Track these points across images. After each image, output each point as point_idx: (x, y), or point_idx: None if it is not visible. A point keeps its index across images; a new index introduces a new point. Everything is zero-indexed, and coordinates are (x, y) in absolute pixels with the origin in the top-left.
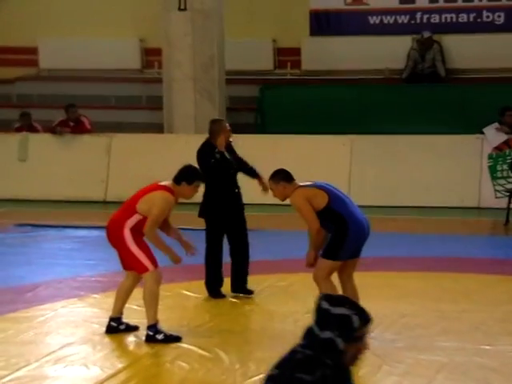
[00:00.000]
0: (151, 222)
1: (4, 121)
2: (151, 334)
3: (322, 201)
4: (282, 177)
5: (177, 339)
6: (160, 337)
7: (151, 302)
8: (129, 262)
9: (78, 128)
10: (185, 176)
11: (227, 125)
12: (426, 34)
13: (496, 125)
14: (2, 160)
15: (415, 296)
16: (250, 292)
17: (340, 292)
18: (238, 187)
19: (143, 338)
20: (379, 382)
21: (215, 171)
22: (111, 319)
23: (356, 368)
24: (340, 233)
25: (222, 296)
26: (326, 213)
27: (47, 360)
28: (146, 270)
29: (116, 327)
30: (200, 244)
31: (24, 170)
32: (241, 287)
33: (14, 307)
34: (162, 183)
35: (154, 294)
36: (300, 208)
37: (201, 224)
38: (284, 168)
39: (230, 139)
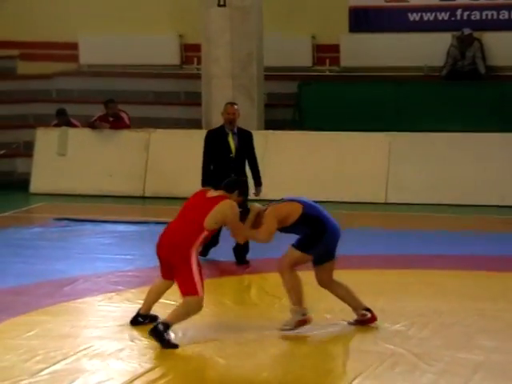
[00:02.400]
0: (238, 229)
1: (44, 116)
2: (161, 328)
3: (295, 212)
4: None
5: (175, 346)
6: (166, 337)
7: (182, 316)
8: (183, 282)
9: (117, 123)
10: (239, 187)
11: (229, 106)
12: (467, 31)
13: None
14: (42, 154)
15: (453, 294)
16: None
17: (301, 286)
18: (239, 174)
19: (179, 334)
20: (416, 381)
21: (213, 151)
22: (139, 314)
23: (393, 366)
24: (317, 231)
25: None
26: (303, 219)
27: (85, 354)
28: (195, 293)
29: (142, 322)
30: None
31: (63, 164)
32: (239, 258)
33: (53, 301)
34: (214, 194)
35: (187, 315)
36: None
37: None
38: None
39: (250, 131)
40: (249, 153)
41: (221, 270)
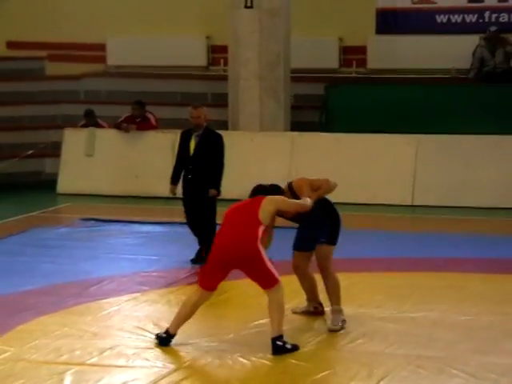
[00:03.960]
0: (294, 205)
1: (71, 116)
2: (280, 344)
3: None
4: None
5: (297, 348)
6: (289, 346)
7: (280, 314)
8: (261, 276)
9: (144, 124)
10: (277, 191)
11: (192, 110)
12: (493, 29)
13: None
14: (70, 155)
15: (479, 297)
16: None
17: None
18: (195, 175)
19: (201, 339)
20: None
21: (179, 151)
22: (171, 335)
23: (419, 369)
24: (336, 219)
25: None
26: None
27: (110, 354)
28: (276, 281)
29: (169, 342)
30: None
31: (90, 165)
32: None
33: (79, 300)
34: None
35: (283, 306)
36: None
37: None
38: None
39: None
40: (212, 155)
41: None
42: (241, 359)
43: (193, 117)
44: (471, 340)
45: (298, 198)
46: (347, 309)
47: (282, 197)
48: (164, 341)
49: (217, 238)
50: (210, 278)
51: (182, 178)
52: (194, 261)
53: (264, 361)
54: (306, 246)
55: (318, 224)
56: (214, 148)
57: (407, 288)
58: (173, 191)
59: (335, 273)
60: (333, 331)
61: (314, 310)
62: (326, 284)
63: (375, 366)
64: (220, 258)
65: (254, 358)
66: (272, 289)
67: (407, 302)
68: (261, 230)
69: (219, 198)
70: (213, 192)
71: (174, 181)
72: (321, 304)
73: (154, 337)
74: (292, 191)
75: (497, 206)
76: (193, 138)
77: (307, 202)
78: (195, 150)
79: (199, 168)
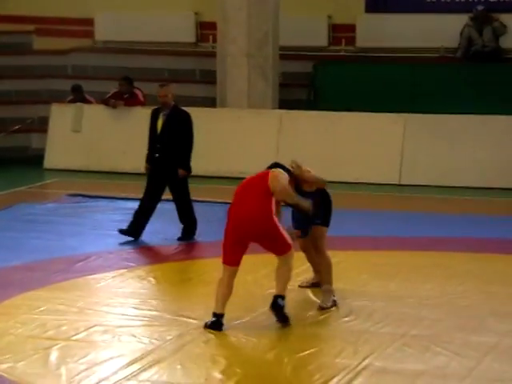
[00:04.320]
0: (287, 193)
1: (59, 91)
2: (281, 304)
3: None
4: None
5: (287, 321)
6: (286, 311)
7: (288, 277)
8: (278, 244)
9: (131, 100)
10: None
11: (160, 89)
12: (480, 8)
13: None
14: (56, 130)
15: (465, 277)
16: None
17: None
18: (163, 154)
19: (188, 314)
20: (427, 362)
21: (149, 129)
22: (220, 315)
23: (404, 347)
24: (328, 201)
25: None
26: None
27: (96, 329)
28: (290, 247)
29: (222, 324)
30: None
31: (77, 140)
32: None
33: (66, 276)
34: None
35: (291, 271)
36: None
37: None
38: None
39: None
40: (181, 134)
41: None
42: (227, 336)
43: (160, 95)
44: (456, 318)
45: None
46: (333, 287)
47: (286, 187)
48: (217, 324)
49: (233, 214)
50: (232, 254)
51: (149, 156)
52: (181, 239)
53: (250, 338)
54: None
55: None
56: (181, 126)
57: (393, 267)
58: (148, 170)
59: (328, 253)
60: (323, 309)
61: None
62: (319, 263)
63: (360, 343)
64: (239, 233)
65: (240, 335)
66: (285, 254)
67: (393, 281)
68: (273, 200)
69: (203, 175)
70: (181, 172)
71: (149, 160)
72: None
73: (139, 314)
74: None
75: (483, 186)
76: (160, 116)
77: (306, 204)
78: (162, 128)
79: (167, 147)
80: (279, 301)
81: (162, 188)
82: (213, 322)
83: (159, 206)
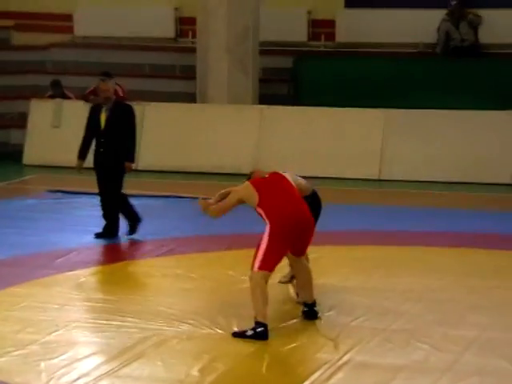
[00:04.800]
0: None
1: (38, 87)
2: (316, 309)
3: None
4: None
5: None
6: (317, 309)
7: (312, 280)
8: (307, 246)
9: None
10: None
11: (101, 83)
12: (453, 2)
13: None
14: (36, 126)
15: (446, 271)
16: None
17: None
18: (107, 148)
19: (169, 310)
20: (407, 356)
21: (90, 125)
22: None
23: (385, 341)
24: (318, 204)
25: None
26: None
27: (76, 326)
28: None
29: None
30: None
31: (57, 136)
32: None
33: (46, 272)
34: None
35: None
36: None
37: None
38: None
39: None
40: (124, 128)
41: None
42: (209, 332)
43: (102, 90)
44: (437, 313)
45: None
46: (314, 282)
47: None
48: (264, 333)
49: (280, 210)
50: (273, 258)
51: (94, 151)
52: (98, 235)
53: (230, 337)
54: None
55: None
56: (124, 120)
57: (374, 261)
58: (79, 166)
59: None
60: (282, 282)
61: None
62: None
63: (341, 338)
64: (289, 230)
65: (220, 331)
66: (303, 256)
67: (374, 275)
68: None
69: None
70: (129, 165)
71: (82, 156)
72: None
73: (120, 310)
74: None
75: (463, 181)
76: (103, 111)
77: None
78: (106, 123)
79: (111, 141)
80: (316, 309)
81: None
82: (260, 332)
83: (139, 202)
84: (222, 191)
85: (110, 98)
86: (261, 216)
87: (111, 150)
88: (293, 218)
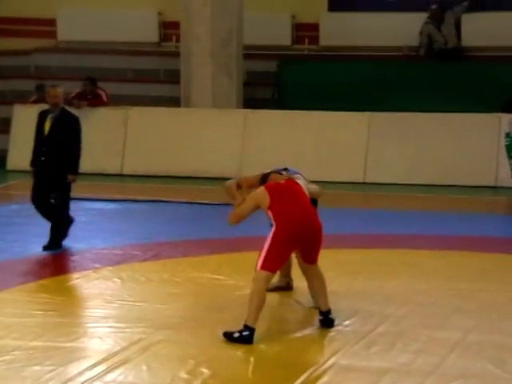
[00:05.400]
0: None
1: (22, 92)
2: (332, 317)
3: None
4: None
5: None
6: (333, 317)
7: (326, 288)
8: (316, 252)
9: (95, 101)
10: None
11: (50, 89)
12: (433, 6)
13: None
14: (19, 131)
15: (431, 274)
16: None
17: None
18: (49, 157)
19: (154, 315)
20: (392, 359)
21: (36, 132)
22: (253, 330)
23: (370, 344)
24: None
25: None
26: None
27: (61, 331)
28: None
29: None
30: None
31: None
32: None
33: (30, 278)
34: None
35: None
36: None
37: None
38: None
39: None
40: (68, 138)
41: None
42: (194, 336)
43: (50, 96)
44: (422, 315)
45: None
46: (298, 285)
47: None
48: (250, 338)
49: (293, 217)
50: (277, 260)
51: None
52: (46, 248)
53: (217, 337)
54: None
55: None
56: (68, 130)
57: (358, 264)
58: (33, 173)
59: None
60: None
61: (286, 286)
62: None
63: (327, 341)
64: (296, 234)
65: (207, 335)
66: (315, 263)
67: (358, 278)
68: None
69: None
70: (70, 178)
71: (33, 163)
72: (291, 279)
73: (105, 315)
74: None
75: (447, 183)
76: (48, 118)
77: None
78: (49, 131)
79: (53, 150)
80: (331, 317)
81: (49, 192)
82: (245, 336)
83: (123, 206)
84: (241, 179)
85: (58, 104)
86: (269, 218)
87: (52, 159)
88: (300, 224)
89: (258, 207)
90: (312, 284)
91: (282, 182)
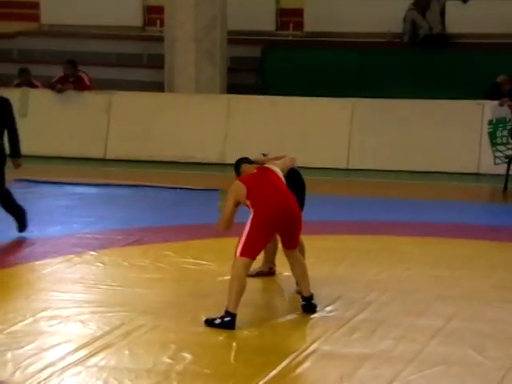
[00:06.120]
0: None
1: (4, 75)
2: (315, 303)
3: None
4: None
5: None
6: (315, 302)
7: (306, 274)
8: (294, 237)
9: (78, 85)
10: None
11: None
12: None
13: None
14: None
15: (411, 261)
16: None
17: None
18: None
19: (136, 300)
20: (374, 346)
21: None
22: (235, 315)
23: (351, 331)
24: (301, 183)
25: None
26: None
27: (43, 316)
28: (299, 241)
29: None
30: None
31: (24, 125)
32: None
33: (12, 262)
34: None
35: (306, 265)
36: None
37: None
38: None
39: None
40: (4, 121)
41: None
42: (175, 322)
43: None
44: (403, 302)
45: None
46: (280, 272)
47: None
48: (231, 323)
49: (272, 203)
50: (259, 246)
51: None
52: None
53: (199, 323)
54: None
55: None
56: (6, 113)
57: (340, 251)
58: None
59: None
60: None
61: (269, 271)
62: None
63: (308, 328)
64: (277, 222)
65: (189, 320)
66: (296, 249)
67: (340, 265)
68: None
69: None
70: (16, 162)
71: None
72: (274, 264)
73: (87, 300)
74: None
75: (430, 170)
76: None
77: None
78: None
79: None
80: (313, 302)
81: None
82: (226, 322)
83: (106, 191)
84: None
85: None
86: (248, 208)
87: None
88: (278, 209)
89: (238, 202)
90: (294, 269)
91: (254, 171)
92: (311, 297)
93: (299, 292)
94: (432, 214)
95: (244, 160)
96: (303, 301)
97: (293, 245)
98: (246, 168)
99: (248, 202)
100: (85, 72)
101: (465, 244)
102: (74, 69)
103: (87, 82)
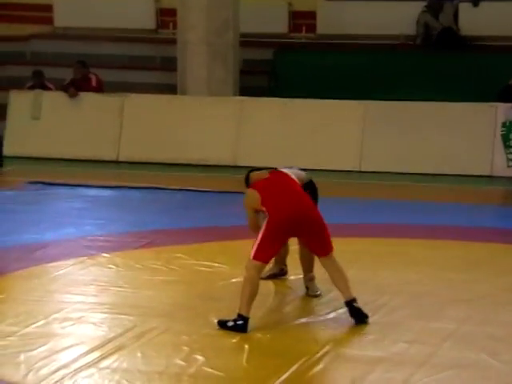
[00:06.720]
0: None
1: (18, 78)
2: (358, 306)
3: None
4: None
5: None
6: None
7: (345, 278)
8: (321, 243)
9: (84, 84)
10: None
11: None
12: None
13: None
14: (15, 117)
15: (423, 264)
16: None
17: None
18: None
19: (148, 302)
20: (386, 349)
21: None
22: (247, 319)
23: (364, 334)
24: (314, 189)
25: None
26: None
27: (55, 318)
28: (332, 248)
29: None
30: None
31: (37, 128)
32: None
33: (25, 265)
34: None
35: (343, 269)
36: None
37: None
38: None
39: None
40: None
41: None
42: (188, 324)
43: None
44: (416, 305)
45: None
46: (293, 274)
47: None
48: (244, 327)
49: (279, 205)
50: (269, 251)
51: None
52: None
53: (211, 325)
54: None
55: None
56: None
57: (352, 254)
58: None
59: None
60: (315, 297)
61: (280, 272)
62: (302, 251)
63: (321, 330)
64: (288, 223)
65: (201, 322)
66: (328, 256)
67: (352, 268)
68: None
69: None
70: None
71: None
72: (286, 265)
73: (99, 302)
74: None
75: (443, 173)
76: None
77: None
78: None
79: None
80: (355, 305)
81: None
82: (239, 325)
83: (119, 193)
84: None
85: None
86: (264, 212)
87: None
88: (291, 211)
89: (256, 210)
90: (331, 277)
91: (266, 176)
92: (354, 300)
93: (309, 294)
94: (444, 216)
95: (252, 171)
96: (346, 305)
97: (324, 251)
98: (256, 175)
99: (264, 208)
100: (95, 74)
101: (477, 247)
102: (84, 69)
103: (94, 84)
